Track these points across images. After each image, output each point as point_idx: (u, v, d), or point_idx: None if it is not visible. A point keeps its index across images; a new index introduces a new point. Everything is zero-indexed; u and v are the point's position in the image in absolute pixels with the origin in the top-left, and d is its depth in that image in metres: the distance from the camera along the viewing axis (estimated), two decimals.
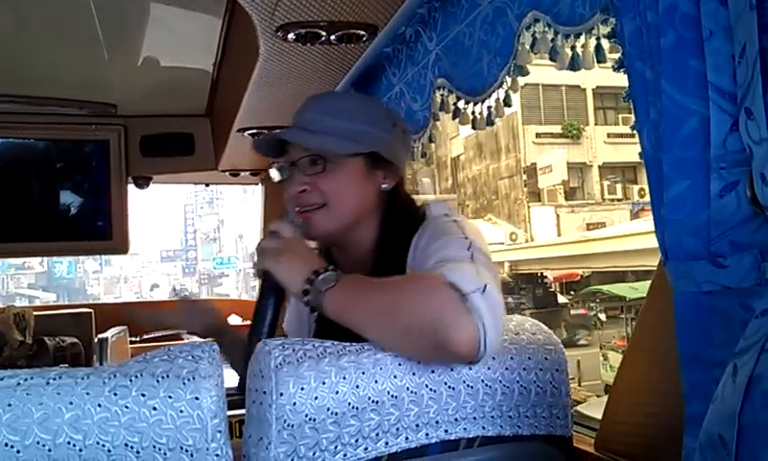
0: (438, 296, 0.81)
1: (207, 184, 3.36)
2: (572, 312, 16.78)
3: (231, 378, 0.84)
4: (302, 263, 0.96)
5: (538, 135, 19.68)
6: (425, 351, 0.84)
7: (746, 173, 0.62)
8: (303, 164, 1.08)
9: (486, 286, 0.82)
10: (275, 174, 1.15)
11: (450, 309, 0.79)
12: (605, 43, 0.89)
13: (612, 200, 19.85)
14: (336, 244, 1.13)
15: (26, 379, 0.69)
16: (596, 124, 20.23)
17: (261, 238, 1.05)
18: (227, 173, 2.82)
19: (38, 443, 0.66)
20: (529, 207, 19.29)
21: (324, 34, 1.35)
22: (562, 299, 17.35)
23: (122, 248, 2.50)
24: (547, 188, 19.20)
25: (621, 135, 18.31)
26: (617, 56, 0.81)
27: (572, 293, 17.17)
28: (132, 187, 2.56)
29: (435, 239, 0.98)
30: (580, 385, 12.00)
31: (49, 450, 0.67)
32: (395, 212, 1.12)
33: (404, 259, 1.04)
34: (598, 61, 0.93)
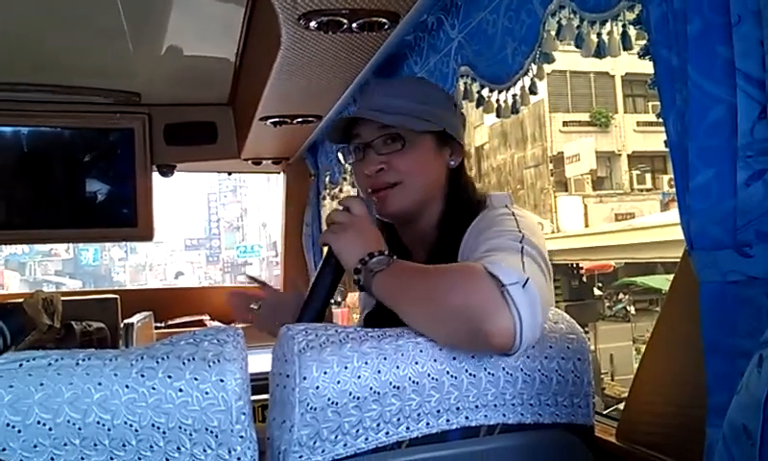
0: (477, 286, 0.81)
1: (230, 173, 3.38)
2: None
3: (255, 363, 0.85)
4: (361, 243, 0.99)
5: (565, 124, 19.29)
6: (461, 339, 0.86)
7: None
8: (379, 144, 1.11)
9: (527, 280, 0.81)
10: (342, 158, 1.18)
11: (487, 300, 0.80)
12: (631, 30, 0.88)
13: (642, 190, 19.47)
14: (403, 221, 1.15)
15: (56, 360, 0.70)
16: (625, 112, 19.77)
17: (333, 209, 1.09)
18: (249, 161, 2.84)
19: (69, 421, 0.68)
20: (555, 197, 19.00)
21: (345, 22, 1.34)
22: (596, 291, 16.93)
23: (147, 235, 2.54)
24: (574, 178, 18.86)
25: (651, 124, 17.86)
26: (644, 42, 0.80)
27: (600, 284, 16.83)
28: (156, 176, 2.60)
29: (488, 229, 0.99)
30: (613, 380, 11.88)
31: (79, 429, 0.69)
32: (459, 192, 1.15)
33: (460, 242, 1.06)
34: (624, 49, 0.91)
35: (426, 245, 1.12)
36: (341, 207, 1.07)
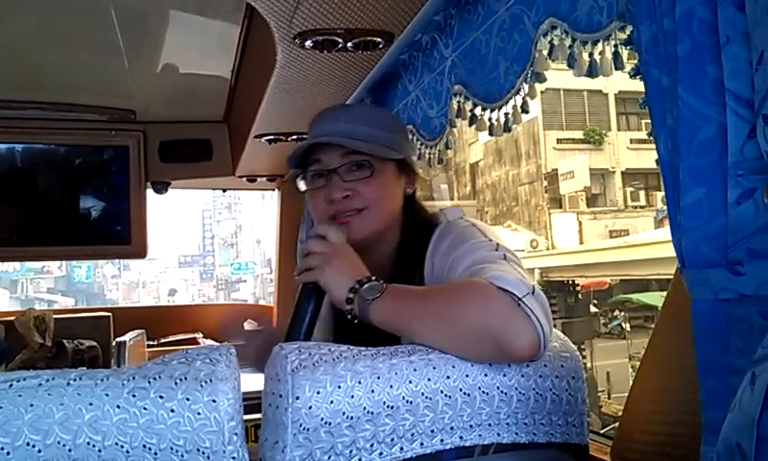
0: (495, 303, 0.83)
1: (225, 190, 3.38)
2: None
3: (248, 383, 0.85)
4: (349, 271, 0.99)
5: (559, 141, 19.43)
6: (487, 356, 0.87)
7: (764, 180, 0.61)
8: (344, 170, 1.10)
9: (534, 287, 0.85)
10: (303, 184, 1.17)
11: (510, 316, 0.82)
12: (622, 50, 0.89)
13: (636, 207, 19.56)
14: (363, 249, 1.12)
15: (47, 380, 0.70)
16: (619, 129, 19.96)
17: (307, 239, 1.07)
18: (244, 178, 2.85)
19: (59, 443, 0.67)
20: (550, 214, 19.06)
21: (340, 41, 1.36)
22: (592, 308, 16.83)
23: (140, 252, 2.53)
24: (569, 195, 18.94)
25: (644, 141, 18.03)
26: (635, 62, 0.81)
27: (595, 301, 16.78)
28: (150, 192, 2.59)
29: (458, 244, 1.00)
30: (610, 398, 11.81)
31: (69, 450, 0.68)
32: (414, 217, 1.16)
33: (421, 263, 1.07)
34: (616, 69, 0.93)
35: (385, 272, 1.09)
36: (314, 236, 1.05)
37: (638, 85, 0.77)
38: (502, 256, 0.94)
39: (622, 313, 15.90)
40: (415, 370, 0.85)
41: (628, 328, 15.41)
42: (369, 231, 1.11)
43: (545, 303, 0.86)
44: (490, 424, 0.89)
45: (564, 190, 18.97)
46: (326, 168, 1.11)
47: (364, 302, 0.94)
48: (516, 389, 0.90)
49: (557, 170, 19.02)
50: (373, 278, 0.97)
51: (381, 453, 0.83)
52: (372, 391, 0.82)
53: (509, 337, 0.82)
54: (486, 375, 0.88)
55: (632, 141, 19.48)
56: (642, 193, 19.63)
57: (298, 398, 0.78)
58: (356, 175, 1.10)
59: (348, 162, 1.10)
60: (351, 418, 0.80)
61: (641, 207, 19.51)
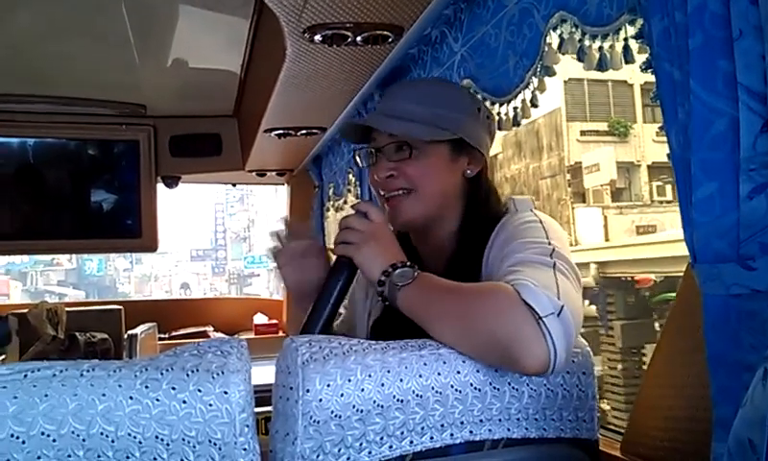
0: (513, 316, 0.81)
1: (234, 184, 3.40)
2: None
3: (259, 375, 0.85)
4: (384, 253, 0.98)
5: (582, 133, 18.64)
6: (494, 363, 0.87)
7: None
8: (389, 150, 1.08)
9: (562, 308, 0.81)
10: (358, 160, 1.18)
11: (524, 332, 0.80)
12: (633, 44, 0.89)
13: (662, 201, 18.99)
14: (418, 230, 1.11)
15: (61, 371, 0.71)
16: (644, 121, 19.31)
17: (347, 214, 1.05)
18: (253, 173, 2.86)
19: (73, 433, 0.68)
20: (573, 209, 18.55)
21: (350, 35, 1.36)
22: None
23: (151, 246, 2.55)
24: (593, 189, 18.40)
25: None
26: (647, 56, 0.81)
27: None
28: (162, 186, 2.61)
29: (514, 238, 0.96)
30: None
31: (83, 440, 0.69)
32: (478, 200, 1.10)
33: (482, 251, 1.02)
34: (626, 62, 0.92)
35: (443, 256, 1.08)
36: (355, 212, 1.04)
37: None
38: (551, 264, 0.88)
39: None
40: (425, 364, 0.85)
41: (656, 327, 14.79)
42: (417, 214, 1.07)
43: (571, 326, 0.81)
44: (500, 420, 0.89)
45: (588, 184, 18.30)
46: (376, 146, 1.10)
47: (393, 286, 0.94)
48: (527, 385, 0.90)
49: (580, 163, 18.37)
50: (408, 263, 0.96)
51: (391, 446, 0.83)
52: (383, 385, 0.82)
53: (517, 352, 0.80)
54: (496, 371, 0.88)
55: (658, 134, 18.84)
56: (669, 188, 19.02)
57: (308, 390, 0.78)
58: (400, 155, 1.07)
59: (390, 142, 1.07)
60: (361, 411, 0.81)
61: (668, 202, 18.85)
